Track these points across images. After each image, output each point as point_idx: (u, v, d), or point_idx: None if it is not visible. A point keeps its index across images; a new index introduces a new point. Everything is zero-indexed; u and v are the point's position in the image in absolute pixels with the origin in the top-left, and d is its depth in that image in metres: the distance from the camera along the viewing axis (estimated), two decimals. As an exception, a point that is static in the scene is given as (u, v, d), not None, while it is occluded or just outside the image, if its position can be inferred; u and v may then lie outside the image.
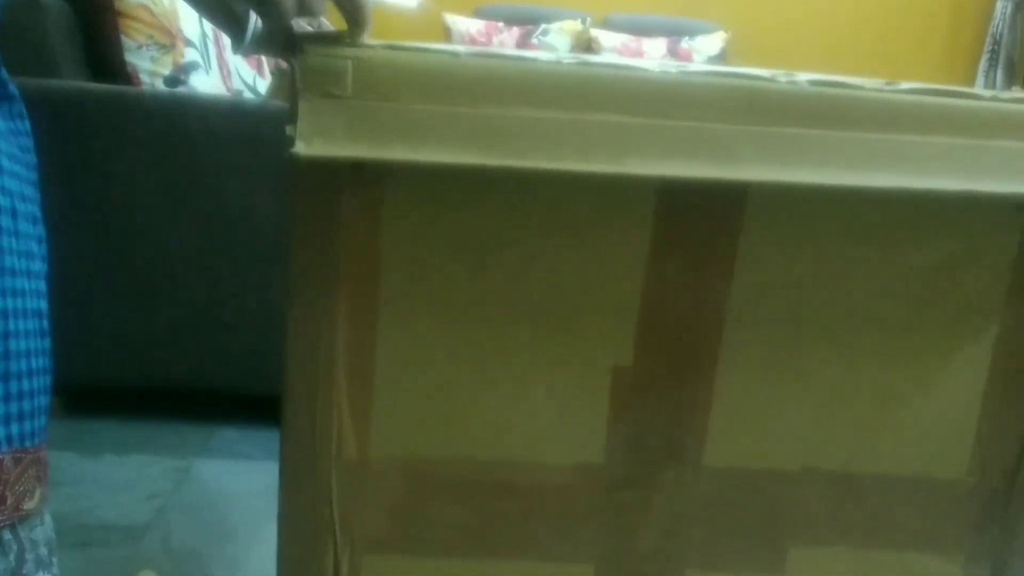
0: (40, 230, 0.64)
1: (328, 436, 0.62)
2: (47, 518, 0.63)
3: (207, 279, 1.52)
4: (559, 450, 0.64)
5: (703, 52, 3.28)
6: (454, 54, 0.57)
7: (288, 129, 0.56)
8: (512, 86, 0.57)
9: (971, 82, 3.43)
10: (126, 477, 1.06)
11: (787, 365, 0.64)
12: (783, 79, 0.59)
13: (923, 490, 0.67)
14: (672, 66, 0.60)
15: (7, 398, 0.57)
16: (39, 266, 0.63)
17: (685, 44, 3.32)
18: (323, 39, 0.57)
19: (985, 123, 0.60)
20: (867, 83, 0.61)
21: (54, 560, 0.63)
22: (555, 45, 3.29)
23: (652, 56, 3.24)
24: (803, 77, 0.60)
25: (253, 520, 1.19)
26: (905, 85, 0.61)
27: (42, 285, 0.63)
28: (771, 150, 0.58)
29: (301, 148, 0.55)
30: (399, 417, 0.63)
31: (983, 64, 3.39)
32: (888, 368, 0.64)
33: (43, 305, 0.62)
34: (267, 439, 0.63)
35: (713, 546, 0.67)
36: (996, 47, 3.34)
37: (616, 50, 3.23)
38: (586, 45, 3.33)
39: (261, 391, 1.47)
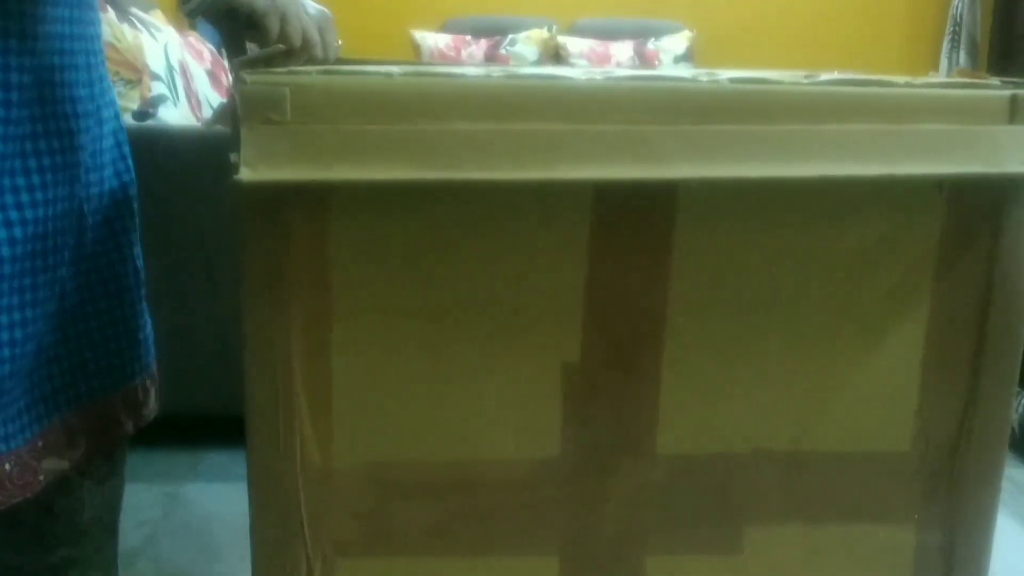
0: None
1: (292, 447, 0.65)
2: None
3: (186, 307, 1.55)
4: (516, 446, 0.67)
5: (670, 52, 3.32)
6: (388, 74, 0.60)
7: (232, 156, 0.59)
8: (444, 102, 0.59)
9: (935, 65, 3.48)
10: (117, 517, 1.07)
11: (729, 352, 0.66)
12: (704, 78, 0.62)
13: (870, 464, 0.69)
14: (598, 73, 0.63)
15: None
16: None
17: (651, 45, 3.35)
18: (258, 62, 0.59)
19: (901, 108, 0.63)
20: (786, 77, 0.64)
21: None
22: (523, 54, 3.33)
23: (619, 59, 3.28)
24: (724, 75, 0.63)
25: (241, 540, 1.20)
26: (823, 77, 0.64)
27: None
28: (696, 148, 0.61)
29: (246, 174, 0.58)
30: (359, 424, 0.65)
31: (945, 46, 3.44)
32: (826, 349, 0.67)
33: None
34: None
35: (671, 531, 0.69)
36: (957, 28, 3.39)
37: (583, 55, 3.27)
38: (553, 52, 3.37)
39: (247, 413, 1.48)
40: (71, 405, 0.76)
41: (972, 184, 0.65)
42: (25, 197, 0.66)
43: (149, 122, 1.63)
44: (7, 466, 0.69)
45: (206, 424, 1.58)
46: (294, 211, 0.61)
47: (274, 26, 0.69)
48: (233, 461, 1.52)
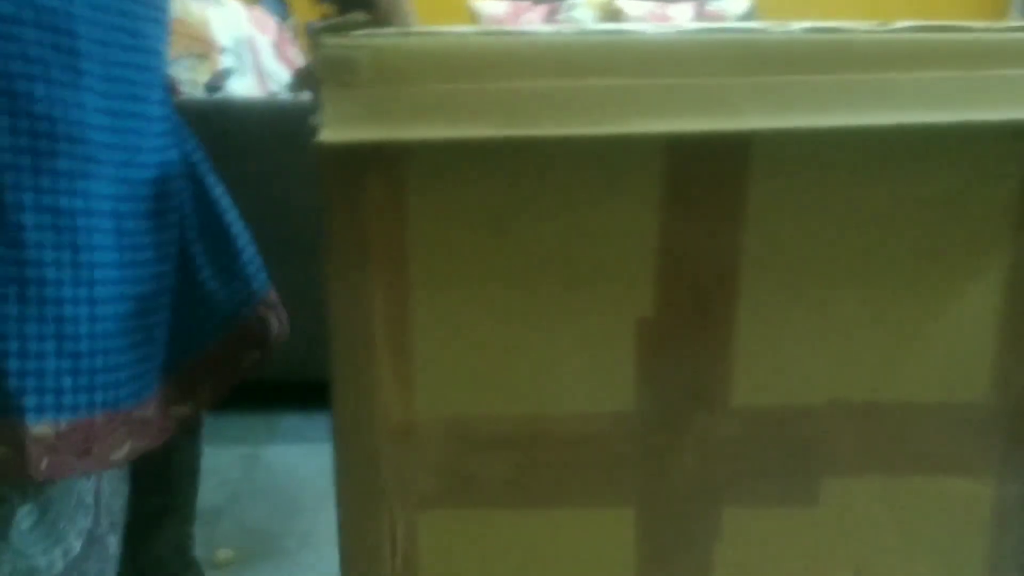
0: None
1: (374, 404, 0.67)
2: (125, 489, 0.72)
3: (259, 274, 1.58)
4: (592, 401, 0.68)
5: (731, 12, 3.26)
6: (461, 35, 0.61)
7: (313, 119, 0.61)
8: (516, 60, 0.60)
9: (1005, 17, 3.36)
10: (202, 467, 1.12)
11: (804, 304, 0.66)
12: (776, 29, 0.62)
13: (947, 414, 0.69)
14: (668, 27, 0.63)
15: (93, 371, 0.67)
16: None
17: (712, 6, 3.30)
18: (339, 28, 0.61)
19: (979, 54, 0.62)
20: (859, 26, 0.63)
21: (120, 523, 0.72)
22: (581, 19, 3.30)
23: (679, 21, 3.23)
24: (797, 26, 0.63)
25: (320, 498, 1.25)
26: (898, 24, 0.63)
27: (127, 272, 0.70)
28: (770, 99, 0.61)
29: (326, 135, 0.60)
30: (439, 381, 0.67)
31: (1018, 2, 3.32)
32: (902, 298, 0.67)
33: (129, 290, 0.70)
34: (330, 423, 0.68)
35: (748, 483, 0.70)
36: (1033, -22, 3.27)
37: (642, 19, 3.23)
38: (612, 16, 3.33)
39: (322, 377, 1.52)
40: (188, 353, 0.81)
41: (1054, 130, 0.64)
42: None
43: (218, 94, 1.67)
44: (150, 411, 0.73)
45: (283, 389, 1.63)
46: (373, 172, 0.63)
47: (384, 4, 0.74)
48: (308, 424, 1.57)
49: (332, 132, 0.60)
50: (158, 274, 0.73)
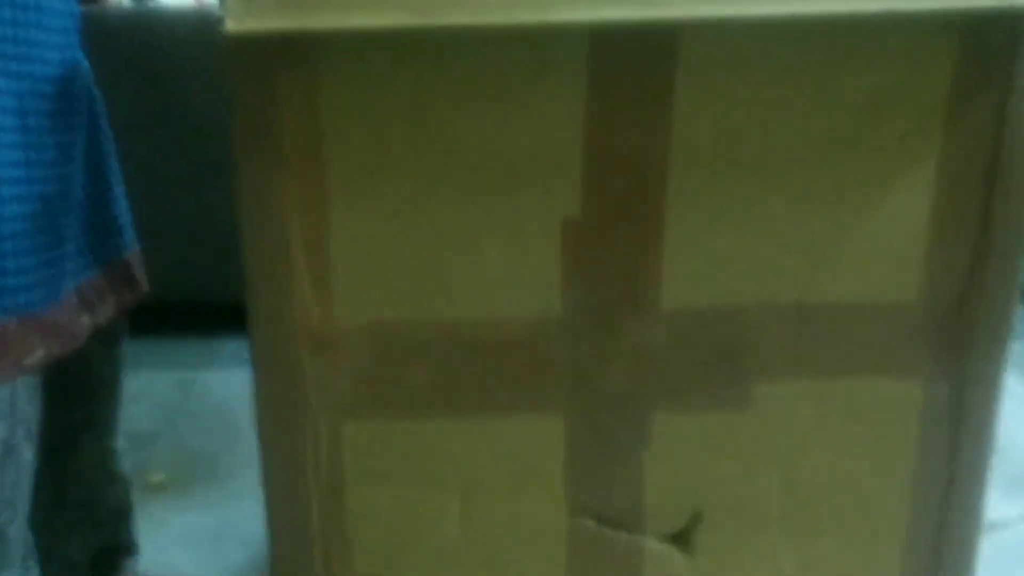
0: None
1: (292, 311, 0.64)
2: (39, 399, 0.70)
3: (195, 191, 1.54)
4: (517, 305, 0.66)
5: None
6: (373, -81, 0.57)
7: (218, 8, 0.57)
8: (432, -56, 0.57)
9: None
10: (136, 391, 1.09)
11: (734, 205, 0.65)
12: (706, -84, 0.59)
13: (877, 316, 0.68)
14: (593, -88, 0.60)
15: (3, 274, 0.65)
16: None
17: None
18: None
19: (912, -58, 0.60)
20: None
21: (34, 433, 0.70)
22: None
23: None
24: (726, -87, 0.60)
25: (258, 422, 1.23)
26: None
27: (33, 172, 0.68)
28: (698, -12, 0.58)
29: (231, 25, 0.56)
30: (359, 285, 0.65)
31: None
32: (832, 199, 0.65)
33: (36, 190, 0.68)
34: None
35: (677, 388, 0.69)
36: None
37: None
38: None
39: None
40: (99, 264, 0.80)
41: (985, 22, 0.62)
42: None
43: (147, 4, 1.60)
44: (62, 316, 0.72)
45: (222, 312, 1.59)
46: (284, 66, 0.59)
47: None
48: (247, 348, 1.54)
49: (238, 22, 0.57)
50: (64, 175, 0.70)
